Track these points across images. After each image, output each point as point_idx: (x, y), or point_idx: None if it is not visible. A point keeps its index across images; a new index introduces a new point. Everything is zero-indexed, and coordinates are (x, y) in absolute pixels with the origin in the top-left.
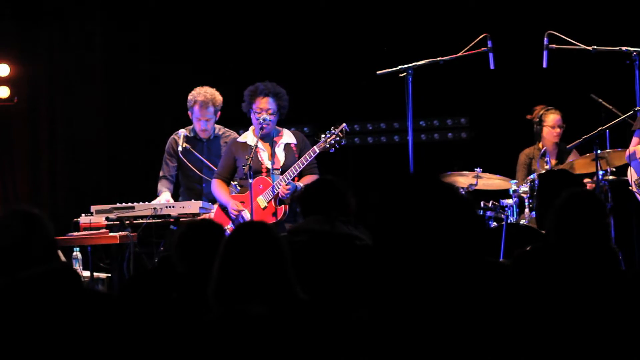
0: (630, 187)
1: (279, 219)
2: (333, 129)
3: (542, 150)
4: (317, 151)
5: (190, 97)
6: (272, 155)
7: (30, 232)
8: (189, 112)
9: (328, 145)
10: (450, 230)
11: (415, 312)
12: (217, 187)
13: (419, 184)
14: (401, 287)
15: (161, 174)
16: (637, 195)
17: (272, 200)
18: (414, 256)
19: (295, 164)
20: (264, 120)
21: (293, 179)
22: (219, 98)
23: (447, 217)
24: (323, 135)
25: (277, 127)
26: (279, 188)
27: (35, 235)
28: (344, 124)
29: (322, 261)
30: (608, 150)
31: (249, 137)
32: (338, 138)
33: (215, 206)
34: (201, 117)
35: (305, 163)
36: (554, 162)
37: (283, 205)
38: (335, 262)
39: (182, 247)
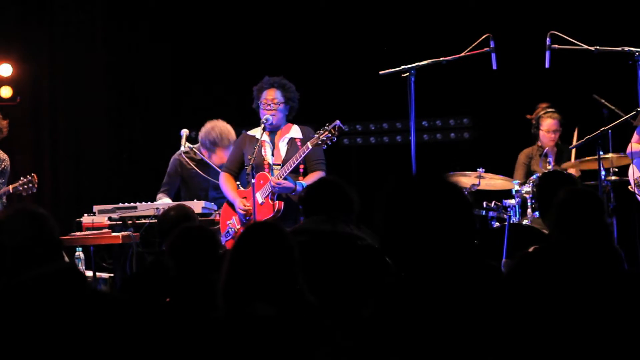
0: (630, 187)
1: (272, 214)
2: (327, 126)
3: (545, 151)
4: (310, 147)
5: (207, 140)
6: (273, 148)
7: (36, 232)
8: (203, 148)
9: (320, 142)
10: (456, 229)
11: (422, 312)
12: (225, 181)
13: (425, 184)
14: (408, 287)
15: (160, 190)
16: (637, 195)
17: (269, 196)
18: (420, 256)
19: (291, 159)
20: (267, 120)
21: (297, 175)
22: (233, 132)
23: (454, 216)
24: (317, 132)
25: (289, 123)
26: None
27: (41, 235)
28: (337, 121)
29: (323, 261)
30: (611, 154)
31: (258, 131)
32: (330, 135)
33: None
34: (223, 157)
35: (299, 159)
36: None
37: (278, 202)
38: (336, 262)
39: (174, 252)
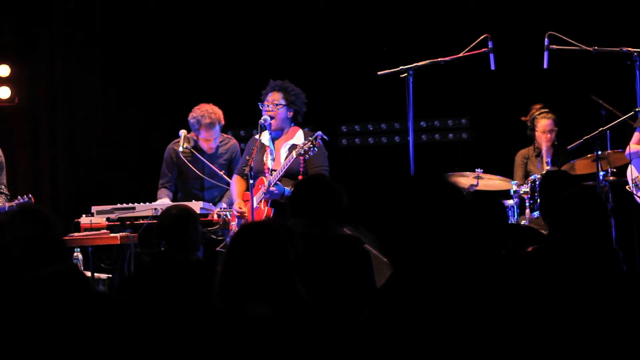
0: (628, 187)
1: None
2: (310, 137)
3: (543, 152)
4: (294, 156)
5: (192, 119)
6: (274, 153)
7: (39, 232)
8: (192, 130)
9: (302, 152)
10: (454, 229)
11: (421, 312)
12: (233, 184)
13: (423, 184)
14: (406, 287)
15: (160, 183)
16: (635, 196)
17: (262, 201)
18: (419, 256)
19: (280, 167)
20: (264, 120)
21: (294, 181)
22: (221, 115)
23: (452, 216)
24: (302, 142)
25: (294, 127)
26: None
27: (44, 236)
28: (319, 132)
29: (310, 265)
30: (608, 151)
31: (265, 134)
32: (311, 145)
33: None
34: (209, 138)
35: (285, 167)
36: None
37: (268, 208)
38: (323, 265)
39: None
